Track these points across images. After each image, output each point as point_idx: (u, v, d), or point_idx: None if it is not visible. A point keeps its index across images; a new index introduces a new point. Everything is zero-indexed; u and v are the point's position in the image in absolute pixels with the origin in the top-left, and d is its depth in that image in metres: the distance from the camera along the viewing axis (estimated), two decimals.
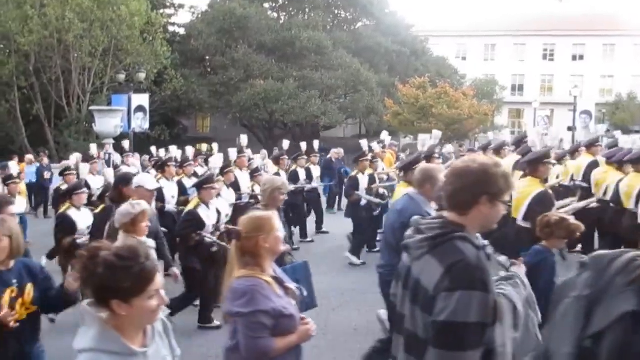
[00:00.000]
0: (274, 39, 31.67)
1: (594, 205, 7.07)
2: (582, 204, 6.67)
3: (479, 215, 2.23)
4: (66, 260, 6.40)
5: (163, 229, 6.27)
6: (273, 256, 3.00)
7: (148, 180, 5.59)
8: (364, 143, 11.33)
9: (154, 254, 4.13)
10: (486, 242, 2.30)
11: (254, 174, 9.83)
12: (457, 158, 10.61)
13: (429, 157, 7.45)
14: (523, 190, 5.74)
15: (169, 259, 5.84)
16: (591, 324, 1.80)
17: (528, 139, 8.59)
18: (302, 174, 11.41)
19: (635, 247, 1.97)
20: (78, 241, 6.35)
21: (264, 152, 14.51)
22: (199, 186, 6.70)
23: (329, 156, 14.72)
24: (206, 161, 11.69)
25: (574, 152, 10.03)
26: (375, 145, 11.82)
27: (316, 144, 13.91)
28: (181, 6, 36.37)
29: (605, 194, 7.91)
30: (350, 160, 17.26)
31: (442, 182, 2.38)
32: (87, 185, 8.94)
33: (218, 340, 5.30)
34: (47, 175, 15.04)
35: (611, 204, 7.55)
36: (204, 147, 23.99)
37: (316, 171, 12.52)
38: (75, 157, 12.86)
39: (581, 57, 47.80)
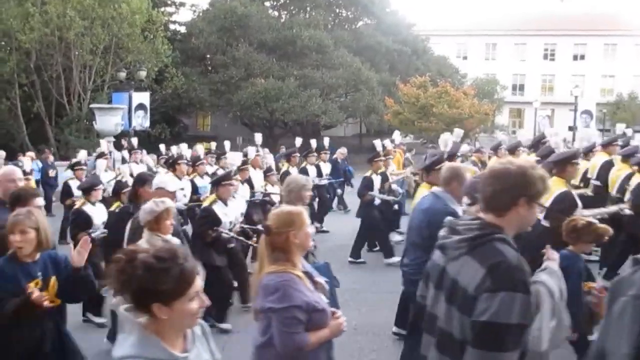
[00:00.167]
0: (275, 37, 31.66)
1: (627, 212, 6.80)
2: (614, 208, 6.52)
3: (516, 217, 2.25)
4: None
5: None
6: (303, 251, 2.99)
7: (169, 181, 5.50)
8: (377, 143, 11.33)
9: None
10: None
11: (267, 173, 9.87)
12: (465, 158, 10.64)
13: (451, 157, 7.45)
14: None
15: None
16: None
17: (550, 140, 8.53)
18: (312, 171, 11.38)
19: None
20: (92, 235, 6.34)
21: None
22: (216, 183, 6.65)
23: (334, 156, 14.71)
24: (218, 159, 11.68)
25: (587, 153, 9.62)
26: (387, 143, 11.78)
27: (326, 141, 13.89)
28: (182, 4, 36.38)
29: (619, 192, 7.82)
30: (352, 159, 17.28)
31: (479, 185, 2.39)
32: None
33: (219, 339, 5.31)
34: (51, 173, 14.79)
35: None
36: (204, 145, 23.92)
37: (326, 168, 12.48)
38: (82, 155, 12.73)
39: (582, 57, 47.80)
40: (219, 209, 6.36)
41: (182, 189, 8.79)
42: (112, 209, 6.97)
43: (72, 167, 10.22)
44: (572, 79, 43.75)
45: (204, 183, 9.75)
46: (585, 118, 27.19)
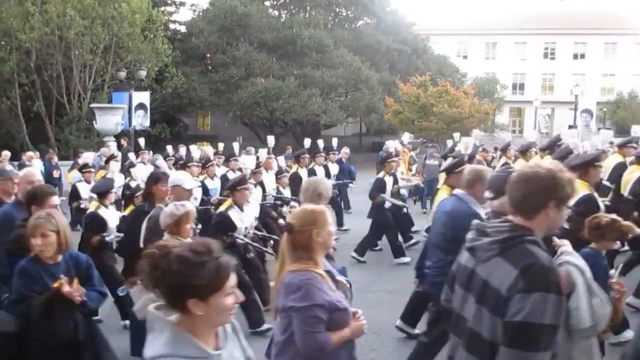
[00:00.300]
0: (275, 37, 31.66)
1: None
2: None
3: (545, 219, 2.30)
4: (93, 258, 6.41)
5: None
6: (325, 250, 2.98)
7: (186, 178, 5.40)
8: (390, 144, 11.30)
9: None
10: None
11: (278, 175, 9.83)
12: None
13: (470, 159, 7.42)
14: None
15: None
16: None
17: (569, 141, 8.47)
18: (320, 172, 11.32)
19: None
20: (107, 239, 6.32)
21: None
22: (232, 188, 6.53)
23: (339, 156, 14.69)
24: (227, 161, 11.68)
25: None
26: (397, 145, 11.78)
27: (334, 141, 13.86)
28: (182, 4, 36.38)
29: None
30: (352, 159, 17.27)
31: (507, 187, 2.42)
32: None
33: None
34: (55, 174, 14.64)
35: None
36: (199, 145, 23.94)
37: (334, 169, 12.46)
38: (89, 156, 12.66)
39: (582, 56, 47.81)
40: (234, 214, 6.26)
41: (196, 198, 8.72)
42: (126, 213, 6.93)
43: (80, 169, 10.15)
44: (573, 77, 43.77)
45: (215, 185, 9.76)
46: (585, 117, 27.20)
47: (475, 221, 2.58)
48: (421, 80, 29.24)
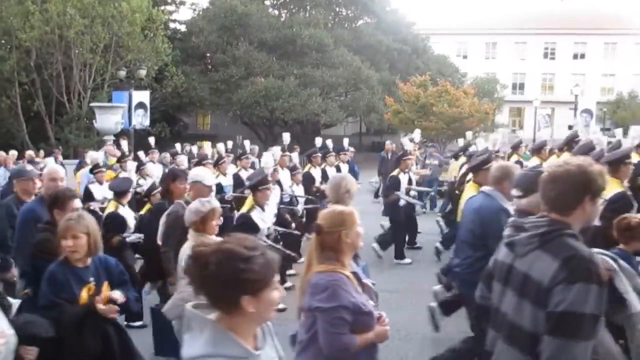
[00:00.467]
0: (275, 36, 31.66)
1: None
2: None
3: (582, 214, 2.36)
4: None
5: None
6: (353, 251, 2.98)
7: (206, 175, 5.33)
8: (406, 141, 11.29)
9: None
10: None
11: (293, 172, 9.82)
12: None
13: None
14: None
15: None
16: None
17: (592, 138, 8.38)
18: (331, 172, 11.32)
19: None
20: (128, 239, 6.28)
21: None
22: (254, 187, 6.40)
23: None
24: (237, 160, 11.69)
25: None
26: (408, 143, 11.78)
27: (346, 141, 13.85)
28: (182, 3, 36.38)
29: None
30: (353, 158, 17.27)
31: (540, 187, 2.45)
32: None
33: None
34: None
35: None
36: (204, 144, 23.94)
37: (345, 169, 12.46)
38: (91, 155, 12.62)
39: (582, 56, 47.81)
40: (256, 215, 6.19)
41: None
42: (143, 212, 6.90)
43: (92, 170, 10.05)
44: (572, 77, 43.79)
45: (227, 182, 9.79)
46: (585, 117, 27.14)
47: (513, 218, 2.63)
48: (421, 80, 29.21)
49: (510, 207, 4.15)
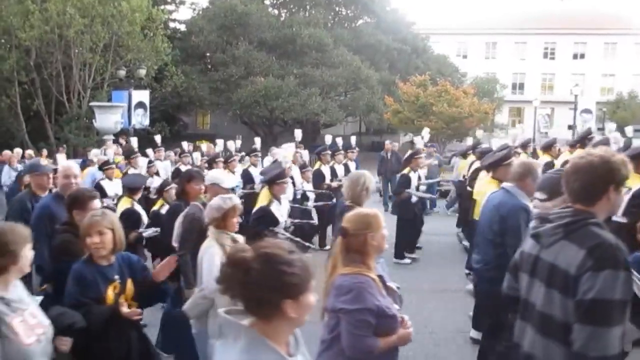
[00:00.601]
0: (275, 36, 31.66)
1: None
2: None
3: (607, 203, 2.40)
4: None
5: None
6: (378, 254, 2.99)
7: (224, 177, 5.30)
8: (418, 140, 11.33)
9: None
10: None
11: (303, 169, 9.82)
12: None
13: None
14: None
15: None
16: None
17: (611, 136, 8.36)
18: (340, 170, 11.32)
19: None
20: (144, 235, 6.27)
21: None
22: (271, 181, 6.41)
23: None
24: (242, 158, 11.71)
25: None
26: (420, 142, 11.80)
27: (353, 139, 13.85)
28: (182, 2, 36.38)
29: None
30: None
31: (563, 179, 2.49)
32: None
33: None
34: None
35: None
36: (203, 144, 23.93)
37: (352, 167, 12.46)
38: (95, 154, 12.59)
39: (582, 56, 47.79)
40: (274, 208, 6.18)
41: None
42: (155, 208, 6.88)
43: (101, 167, 10.03)
44: (572, 77, 43.77)
45: (236, 180, 9.84)
46: (585, 117, 27.19)
47: (536, 210, 2.72)
48: (421, 79, 29.24)
49: (531, 205, 4.13)
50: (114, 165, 9.94)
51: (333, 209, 9.23)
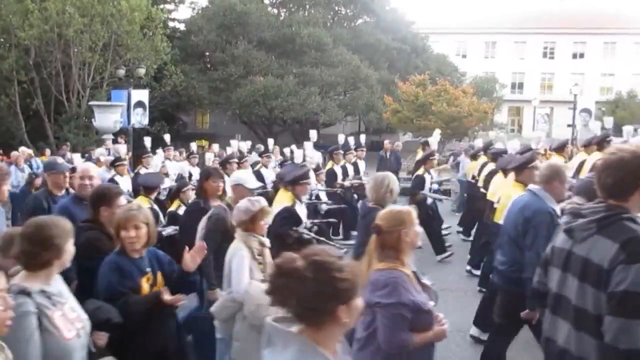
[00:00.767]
0: (274, 35, 31.65)
1: None
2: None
3: (639, 198, 2.41)
4: None
5: None
6: (413, 249, 3.02)
7: (248, 178, 5.23)
8: (432, 141, 11.35)
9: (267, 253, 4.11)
10: None
11: (316, 172, 9.79)
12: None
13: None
14: None
15: None
16: None
17: (632, 140, 8.38)
18: (350, 169, 11.31)
19: None
20: (164, 233, 6.18)
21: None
22: (294, 182, 6.37)
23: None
24: (259, 156, 11.67)
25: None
26: (435, 143, 11.81)
27: (362, 137, 13.83)
28: (181, 2, 36.32)
29: None
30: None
31: (595, 175, 2.51)
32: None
33: None
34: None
35: None
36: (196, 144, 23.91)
37: (362, 166, 12.46)
38: (100, 152, 12.54)
39: (581, 55, 47.83)
40: (298, 208, 6.16)
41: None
42: (172, 208, 6.87)
43: (112, 163, 10.00)
44: (572, 77, 43.78)
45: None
46: (584, 116, 27.15)
47: (568, 206, 2.71)
48: (420, 79, 29.24)
49: (558, 208, 4.15)
50: (125, 162, 9.95)
51: (344, 211, 9.43)
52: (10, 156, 13.53)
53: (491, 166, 8.93)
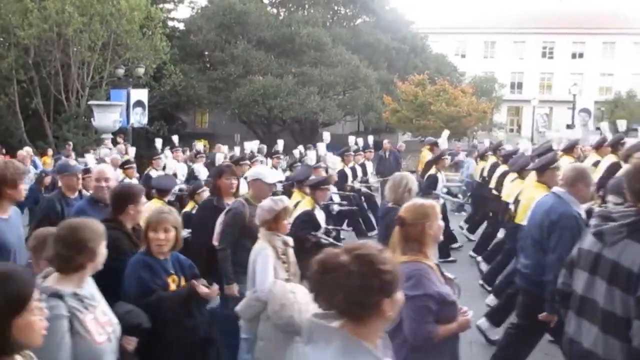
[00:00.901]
0: (274, 34, 31.64)
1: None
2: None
3: None
4: None
5: None
6: (435, 243, 3.05)
7: (267, 172, 5.16)
8: (442, 141, 11.38)
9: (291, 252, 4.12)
10: None
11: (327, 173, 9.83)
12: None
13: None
14: None
15: None
16: None
17: None
18: (358, 170, 11.33)
19: None
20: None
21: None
22: (315, 186, 6.31)
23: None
24: (269, 157, 11.68)
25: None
26: (445, 143, 11.81)
27: (370, 139, 13.80)
28: (181, 1, 36.26)
29: None
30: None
31: (625, 180, 2.51)
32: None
33: None
34: None
35: None
36: (202, 143, 23.93)
37: (370, 166, 12.43)
38: (105, 153, 12.51)
39: (581, 55, 47.85)
40: (317, 213, 6.13)
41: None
42: (187, 209, 6.85)
43: (121, 166, 9.97)
44: (571, 77, 43.80)
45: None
46: (583, 116, 27.18)
47: (598, 209, 2.71)
48: (419, 78, 29.25)
49: (582, 210, 4.14)
50: (134, 164, 9.91)
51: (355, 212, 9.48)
52: (16, 155, 13.51)
53: (503, 167, 8.91)
